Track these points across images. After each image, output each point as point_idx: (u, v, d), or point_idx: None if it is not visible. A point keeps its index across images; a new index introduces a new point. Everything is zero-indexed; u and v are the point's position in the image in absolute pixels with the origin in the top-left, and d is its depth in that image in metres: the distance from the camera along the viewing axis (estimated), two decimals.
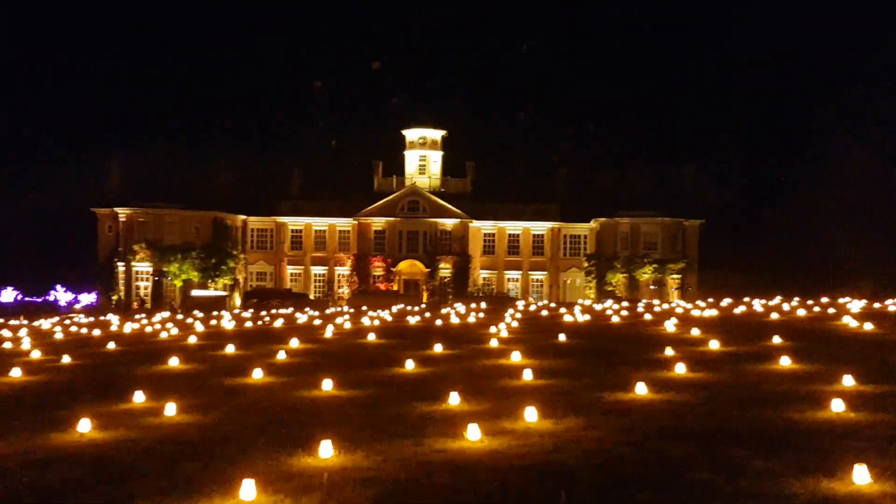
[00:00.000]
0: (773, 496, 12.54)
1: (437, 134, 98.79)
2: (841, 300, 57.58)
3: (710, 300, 64.92)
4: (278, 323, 48.46)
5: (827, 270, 78.54)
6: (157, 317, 59.26)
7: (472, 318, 47.92)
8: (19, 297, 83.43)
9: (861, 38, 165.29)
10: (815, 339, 31.46)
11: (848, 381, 21.51)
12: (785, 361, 25.55)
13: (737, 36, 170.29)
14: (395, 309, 60.68)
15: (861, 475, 13.03)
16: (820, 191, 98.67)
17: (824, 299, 58.63)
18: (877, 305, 49.19)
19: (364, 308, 63.97)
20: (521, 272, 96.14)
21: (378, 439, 16.62)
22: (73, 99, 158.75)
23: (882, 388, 20.91)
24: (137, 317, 60.84)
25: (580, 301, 76.07)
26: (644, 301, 70.50)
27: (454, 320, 46.97)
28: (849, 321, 37.93)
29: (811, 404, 19.10)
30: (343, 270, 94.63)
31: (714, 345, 30.57)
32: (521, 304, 68.77)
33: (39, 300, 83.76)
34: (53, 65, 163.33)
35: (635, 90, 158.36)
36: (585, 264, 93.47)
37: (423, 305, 67.89)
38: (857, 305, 49.52)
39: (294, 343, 33.94)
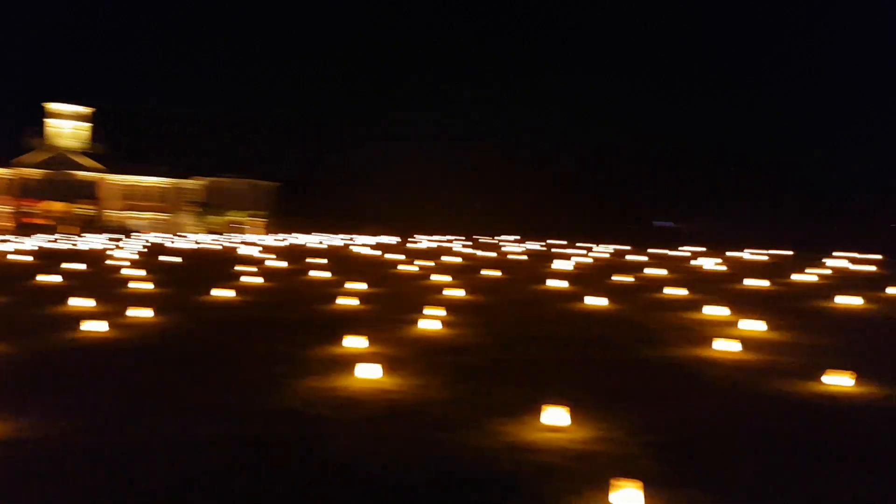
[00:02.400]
0: (299, 357, 12.77)
1: (81, 109, 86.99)
2: (356, 237, 60.49)
3: (279, 236, 65.02)
4: None
5: (351, 217, 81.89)
6: None
7: (106, 245, 43.52)
8: None
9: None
10: (339, 260, 32.75)
11: (355, 285, 22.68)
12: (319, 274, 26.34)
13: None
14: (42, 238, 53.17)
15: (356, 342, 13.75)
16: (350, 168, 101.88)
17: (349, 236, 61.19)
18: (378, 240, 52.30)
19: (13, 237, 55.28)
20: (148, 213, 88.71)
21: (19, 334, 14.49)
22: None
23: (375, 290, 22.25)
24: None
25: (189, 235, 72.10)
26: (234, 236, 68.77)
27: (94, 246, 42.30)
28: (360, 249, 40.02)
29: (331, 300, 19.79)
30: (6, 208, 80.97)
31: (277, 264, 30.68)
32: (145, 236, 63.66)
33: None
34: None
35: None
36: (196, 210, 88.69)
37: (69, 235, 60.08)
38: (366, 240, 52.25)
39: None
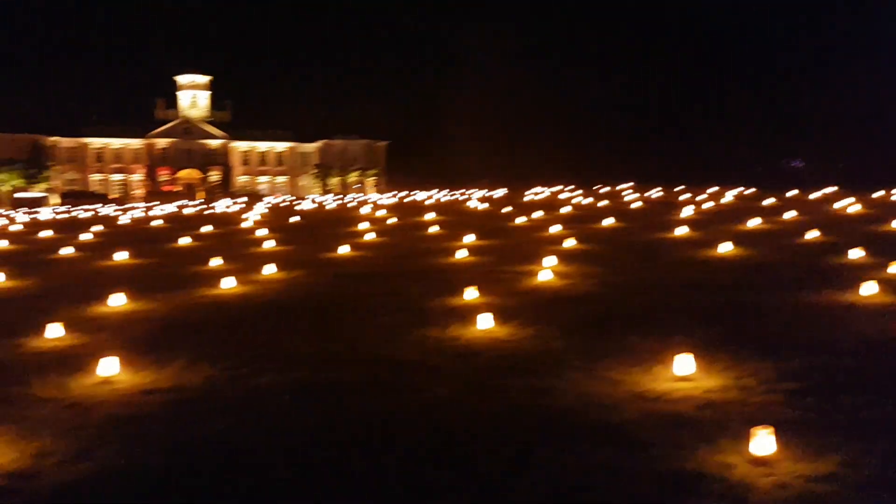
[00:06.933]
0: (417, 309, 13.09)
1: (204, 79, 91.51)
2: (469, 191, 60.56)
3: (393, 193, 66.24)
4: (86, 215, 43.96)
5: (461, 172, 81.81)
6: None
7: (234, 209, 45.92)
8: None
9: None
10: (452, 214, 32.96)
11: (469, 238, 22.76)
12: (434, 229, 26.62)
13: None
14: (176, 204, 56.82)
15: (471, 293, 13.91)
16: (451, 124, 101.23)
17: (460, 190, 61.41)
18: (489, 194, 52.17)
19: (154, 203, 59.45)
20: (269, 177, 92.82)
21: (159, 290, 15.63)
22: None
23: (488, 242, 22.28)
24: None
25: (309, 196, 74.81)
26: (351, 195, 70.70)
27: (221, 210, 44.77)
28: (472, 203, 40.09)
29: (446, 254, 20.04)
30: (137, 177, 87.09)
31: (392, 220, 31.29)
32: (268, 199, 66.61)
33: None
34: None
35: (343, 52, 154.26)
36: (313, 172, 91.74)
37: (200, 201, 63.90)
38: (477, 194, 52.26)
39: (97, 228, 30.96)
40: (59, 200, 73.49)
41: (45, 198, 74.79)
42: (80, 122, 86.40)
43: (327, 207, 44.93)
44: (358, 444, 6.96)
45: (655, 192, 42.64)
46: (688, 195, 38.72)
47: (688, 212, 28.87)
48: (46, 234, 29.37)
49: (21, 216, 43.49)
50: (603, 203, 36.20)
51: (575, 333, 10.88)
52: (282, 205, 51.13)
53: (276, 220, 34.40)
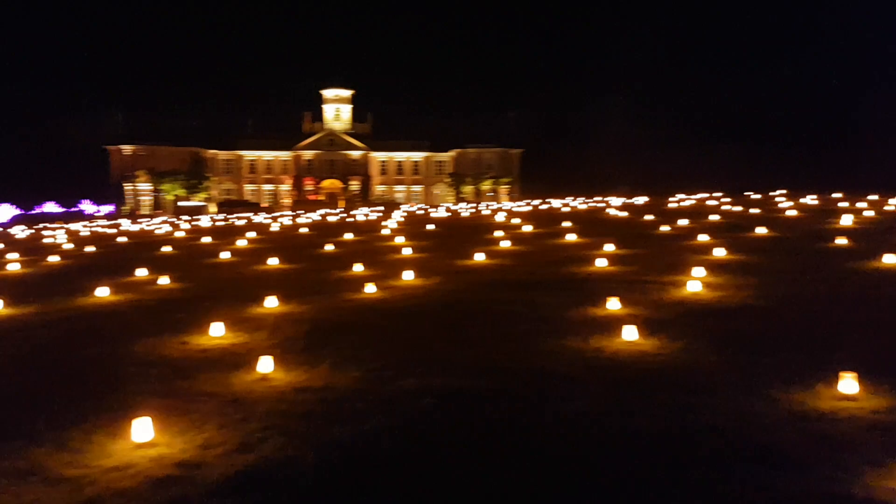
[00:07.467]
0: (556, 318, 13.00)
1: (347, 93, 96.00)
2: (607, 198, 59.22)
3: (527, 201, 66.01)
4: (241, 222, 47.08)
5: (599, 179, 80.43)
6: (157, 220, 56.95)
7: (372, 217, 47.58)
8: (59, 209, 78.94)
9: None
10: (590, 223, 32.36)
11: (609, 247, 22.23)
12: (571, 237, 26.24)
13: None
14: (320, 212, 59.71)
15: (613, 304, 13.63)
16: (590, 130, 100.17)
17: (597, 197, 60.20)
18: (628, 201, 50.81)
19: (300, 212, 62.79)
20: (405, 186, 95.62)
21: (308, 294, 16.50)
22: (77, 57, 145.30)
23: (629, 251, 21.67)
24: (140, 220, 58.25)
25: (443, 204, 76.23)
26: (485, 203, 71.21)
27: (360, 218, 46.55)
28: (611, 211, 39.16)
29: (585, 263, 19.67)
30: (285, 187, 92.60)
31: (527, 228, 31.16)
32: (405, 207, 68.52)
33: (73, 210, 79.38)
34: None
35: (480, 62, 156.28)
36: (447, 180, 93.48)
37: (341, 209, 66.82)
38: (616, 201, 51.02)
39: (251, 235, 33.10)
40: (216, 209, 79.30)
41: (204, 206, 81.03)
42: (236, 135, 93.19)
43: (461, 215, 45.50)
44: (496, 453, 7.01)
45: (811, 200, 39.84)
46: (846, 203, 35.88)
47: (847, 220, 26.73)
48: (206, 239, 31.77)
49: (184, 224, 47.29)
50: (754, 210, 34.26)
51: (728, 348, 10.38)
52: (417, 213, 52.41)
53: (412, 227, 35.26)
